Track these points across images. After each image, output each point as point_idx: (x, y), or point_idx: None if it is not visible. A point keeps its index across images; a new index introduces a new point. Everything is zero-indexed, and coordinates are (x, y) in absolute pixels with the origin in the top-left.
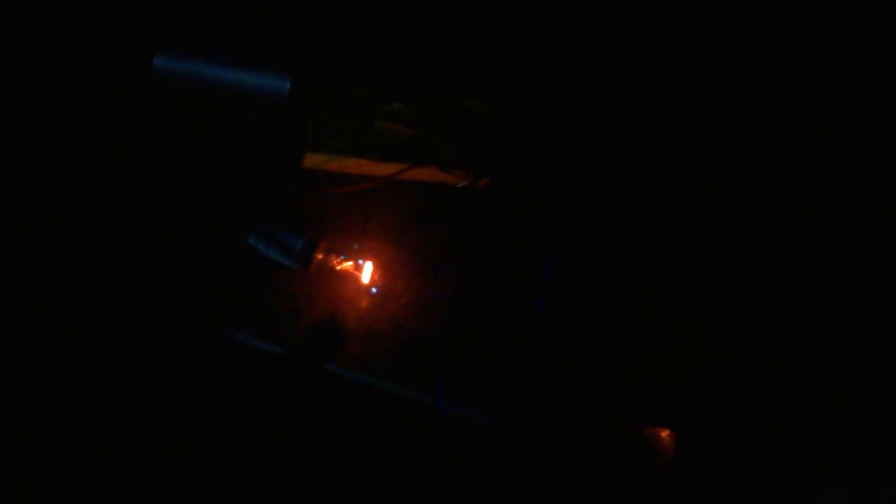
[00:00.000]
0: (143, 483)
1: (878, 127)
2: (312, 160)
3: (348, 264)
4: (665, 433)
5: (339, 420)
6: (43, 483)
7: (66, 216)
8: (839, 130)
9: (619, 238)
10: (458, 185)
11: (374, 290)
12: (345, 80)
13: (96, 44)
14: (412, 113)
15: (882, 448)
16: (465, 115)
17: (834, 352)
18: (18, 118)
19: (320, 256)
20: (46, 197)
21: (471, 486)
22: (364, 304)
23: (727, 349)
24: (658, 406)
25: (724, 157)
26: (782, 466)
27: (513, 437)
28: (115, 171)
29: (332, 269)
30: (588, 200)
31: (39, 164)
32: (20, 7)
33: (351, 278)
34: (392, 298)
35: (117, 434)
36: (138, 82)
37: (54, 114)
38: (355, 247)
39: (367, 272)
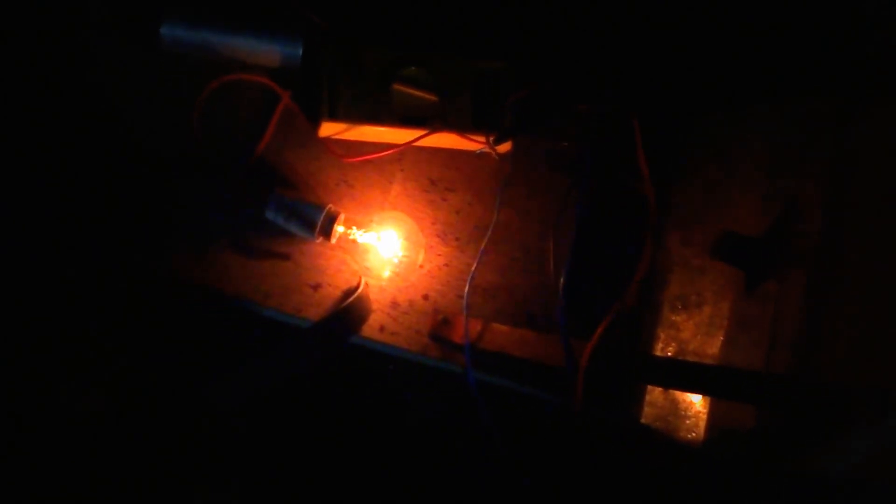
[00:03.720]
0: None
1: None
2: (328, 129)
3: (369, 235)
4: (698, 399)
5: (362, 391)
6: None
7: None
8: None
9: (635, 202)
10: (477, 152)
11: (395, 260)
12: (359, 45)
13: (100, 15)
14: (430, 77)
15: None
16: (482, 78)
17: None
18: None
19: (340, 228)
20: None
21: (502, 456)
22: (386, 274)
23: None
24: (688, 371)
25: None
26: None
27: (542, 404)
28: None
29: (353, 241)
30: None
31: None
32: None
33: (372, 249)
34: (414, 268)
35: (138, 411)
36: (145, 53)
37: (61, 100)
38: (375, 218)
39: (388, 243)
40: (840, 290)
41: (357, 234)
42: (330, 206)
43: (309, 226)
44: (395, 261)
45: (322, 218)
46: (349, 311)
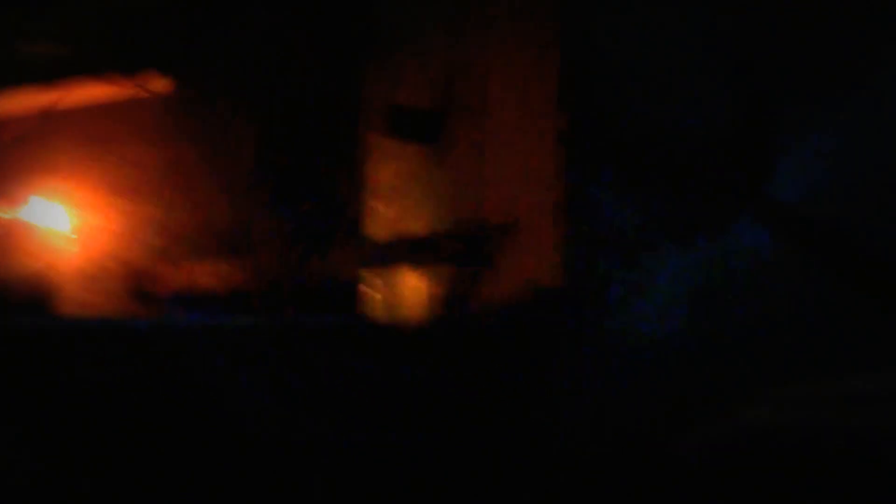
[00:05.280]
0: None
1: None
2: None
3: (31, 212)
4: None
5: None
6: None
7: None
8: None
9: None
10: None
11: (66, 230)
12: None
13: None
14: (59, 27)
15: None
16: (119, 13)
17: None
18: None
19: None
20: None
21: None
22: (63, 249)
23: None
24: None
25: None
26: None
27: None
28: None
29: (9, 221)
30: None
31: None
32: None
33: (32, 227)
34: (98, 233)
35: None
36: None
37: None
38: (31, 194)
39: (56, 216)
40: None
41: (16, 214)
42: None
43: None
44: (69, 231)
45: None
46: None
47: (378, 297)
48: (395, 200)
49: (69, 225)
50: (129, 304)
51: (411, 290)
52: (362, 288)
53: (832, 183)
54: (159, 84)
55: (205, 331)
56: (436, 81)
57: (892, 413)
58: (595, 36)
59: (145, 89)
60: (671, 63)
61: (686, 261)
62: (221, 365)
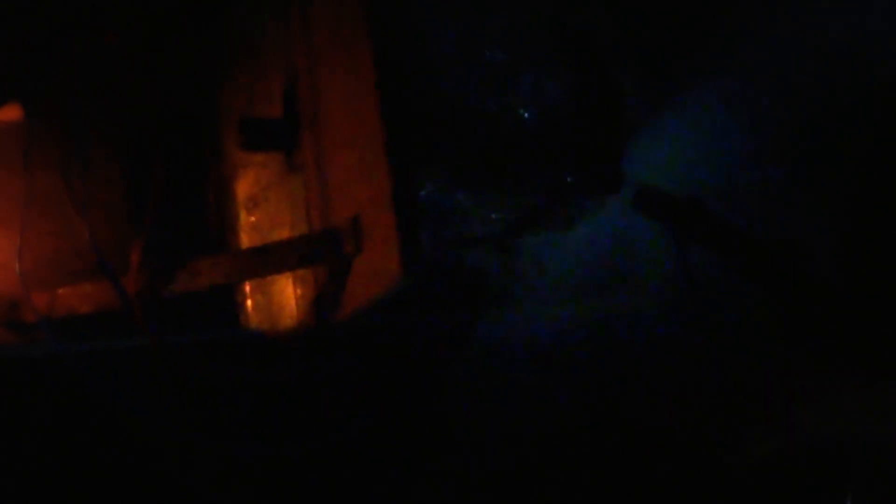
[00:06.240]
0: None
1: None
2: None
3: None
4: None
5: None
6: None
7: None
8: None
9: None
10: None
11: None
12: None
13: None
14: None
15: None
16: None
17: None
18: None
19: None
20: None
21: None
22: None
23: None
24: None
25: None
26: None
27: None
28: None
29: None
30: None
31: None
32: None
33: None
34: None
35: None
36: None
37: None
38: None
39: None
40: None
41: None
42: None
43: None
44: None
45: None
46: None
47: (254, 305)
48: (257, 209)
49: None
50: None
51: (284, 296)
52: (238, 298)
53: (689, 163)
54: (14, 112)
55: (78, 356)
56: (283, 93)
57: None
58: (409, 33)
59: (0, 119)
60: (499, 50)
61: (562, 250)
62: (99, 389)
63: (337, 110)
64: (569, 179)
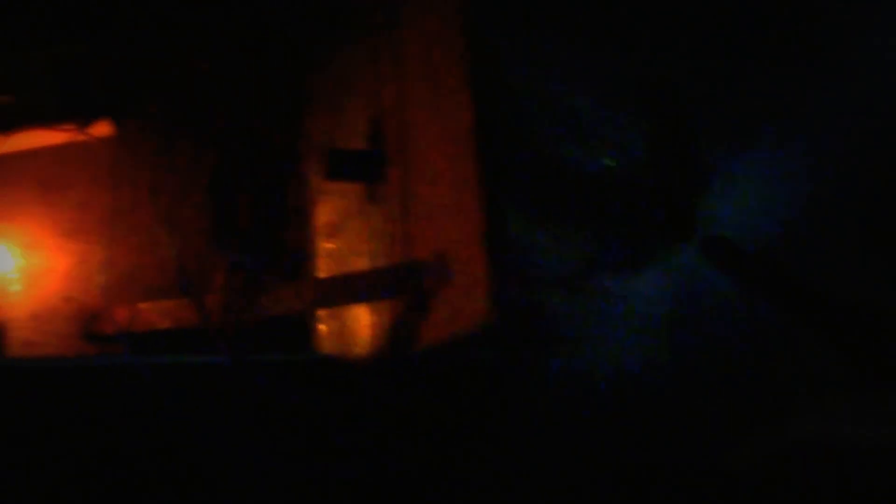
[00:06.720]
0: None
1: None
2: None
3: None
4: (364, 316)
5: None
6: None
7: None
8: None
9: None
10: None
11: (13, 273)
12: None
13: None
14: (7, 78)
15: None
16: (66, 63)
17: None
18: None
19: None
20: None
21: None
22: (10, 290)
23: None
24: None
25: None
26: None
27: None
28: None
29: None
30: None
31: None
32: None
33: None
34: (48, 274)
35: None
36: None
37: None
38: None
39: (4, 257)
40: (417, 190)
41: None
42: None
43: None
44: (18, 272)
45: None
46: None
47: (328, 331)
48: (336, 237)
49: (14, 266)
50: (78, 344)
51: (359, 324)
52: (312, 323)
53: (761, 212)
54: (106, 129)
55: (157, 370)
56: (369, 125)
57: None
58: (507, 76)
59: (92, 134)
60: (586, 99)
61: (637, 289)
62: (174, 404)
63: (428, 149)
64: (643, 224)
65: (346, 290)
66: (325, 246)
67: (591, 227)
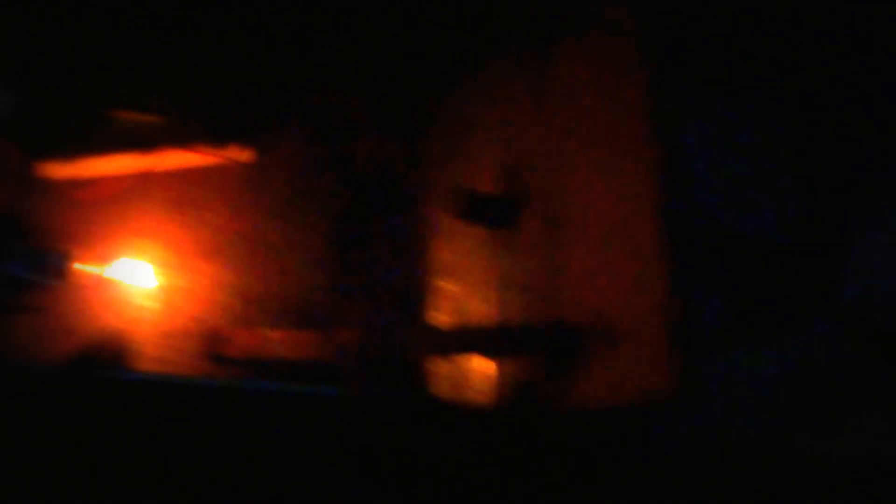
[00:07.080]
0: None
1: None
2: (52, 168)
3: (116, 270)
4: (484, 361)
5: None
6: None
7: None
8: None
9: None
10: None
11: (150, 289)
12: (66, 77)
13: None
14: (151, 98)
15: None
16: (211, 89)
17: None
18: None
19: (79, 267)
20: None
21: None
22: (146, 306)
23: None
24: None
25: None
26: None
27: (332, 400)
28: None
29: (102, 278)
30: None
31: None
32: None
33: (118, 284)
34: (181, 293)
35: None
36: None
37: None
38: (120, 250)
39: (140, 273)
40: (565, 237)
41: (104, 271)
42: (62, 246)
43: (44, 270)
44: (153, 290)
45: (54, 260)
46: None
47: (443, 374)
48: (451, 276)
49: (153, 284)
50: (203, 364)
51: (477, 371)
52: (428, 365)
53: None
54: (244, 154)
55: (276, 397)
56: (506, 167)
57: None
58: (684, 140)
59: (230, 159)
60: (745, 169)
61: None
62: (291, 431)
63: (589, 208)
64: (780, 294)
65: (474, 340)
66: (441, 283)
67: (742, 291)
